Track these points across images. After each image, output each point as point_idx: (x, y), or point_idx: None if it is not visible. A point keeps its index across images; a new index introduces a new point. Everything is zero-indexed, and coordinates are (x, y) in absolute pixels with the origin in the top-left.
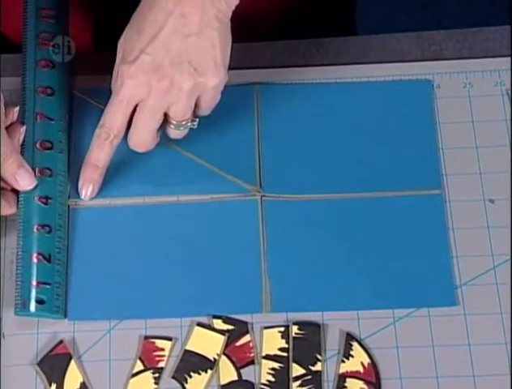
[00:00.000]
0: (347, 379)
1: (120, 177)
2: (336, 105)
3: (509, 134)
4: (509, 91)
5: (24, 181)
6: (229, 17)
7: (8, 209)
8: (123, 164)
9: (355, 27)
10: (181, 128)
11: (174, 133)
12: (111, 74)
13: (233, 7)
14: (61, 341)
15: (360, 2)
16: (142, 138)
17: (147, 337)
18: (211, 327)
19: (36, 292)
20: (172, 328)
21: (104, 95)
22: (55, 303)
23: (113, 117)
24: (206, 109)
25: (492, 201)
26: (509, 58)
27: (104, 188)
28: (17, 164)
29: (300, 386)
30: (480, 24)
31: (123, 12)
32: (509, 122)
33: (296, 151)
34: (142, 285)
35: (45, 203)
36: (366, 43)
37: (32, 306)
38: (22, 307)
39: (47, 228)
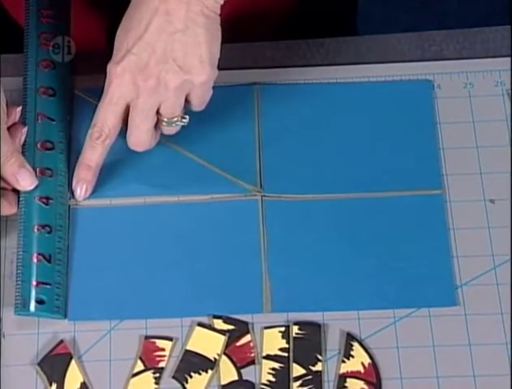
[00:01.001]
0: (348, 379)
1: (121, 177)
2: (336, 105)
3: (510, 135)
4: (510, 92)
5: (25, 181)
6: (218, 12)
7: (9, 209)
8: (124, 165)
9: (356, 27)
10: (173, 125)
11: (166, 129)
12: None
13: (221, 2)
14: (61, 341)
15: (362, 2)
16: (140, 138)
17: (147, 337)
18: (211, 327)
19: (36, 293)
20: (173, 328)
21: None
22: (55, 303)
23: (104, 116)
24: (197, 105)
25: (492, 201)
26: (509, 58)
27: (104, 188)
28: (18, 164)
29: (301, 386)
30: (481, 24)
31: None
32: (509, 122)
33: (296, 152)
34: (142, 285)
35: (46, 204)
36: (367, 43)
37: (32, 306)
38: (22, 307)
39: (47, 229)
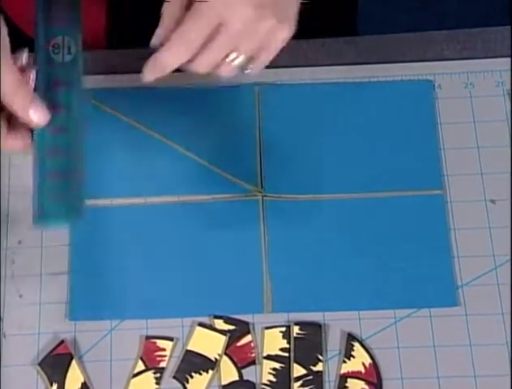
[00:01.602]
0: (349, 379)
1: (122, 177)
2: (337, 106)
3: (510, 135)
4: (510, 92)
5: (38, 114)
6: None
7: (22, 145)
8: (125, 165)
9: (356, 27)
10: (236, 62)
11: (226, 70)
12: (119, 73)
13: None
14: (62, 341)
15: (362, 2)
16: (208, 62)
17: (148, 337)
18: (212, 327)
19: (52, 202)
20: (174, 328)
21: (110, 96)
22: (71, 212)
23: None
24: (263, 62)
25: (493, 201)
26: (510, 59)
27: (105, 188)
28: (29, 98)
29: (302, 386)
30: (481, 25)
31: (136, 11)
32: (509, 123)
33: (297, 152)
34: (143, 285)
35: (60, 134)
36: (367, 43)
37: (49, 215)
38: (39, 218)
39: (63, 132)
